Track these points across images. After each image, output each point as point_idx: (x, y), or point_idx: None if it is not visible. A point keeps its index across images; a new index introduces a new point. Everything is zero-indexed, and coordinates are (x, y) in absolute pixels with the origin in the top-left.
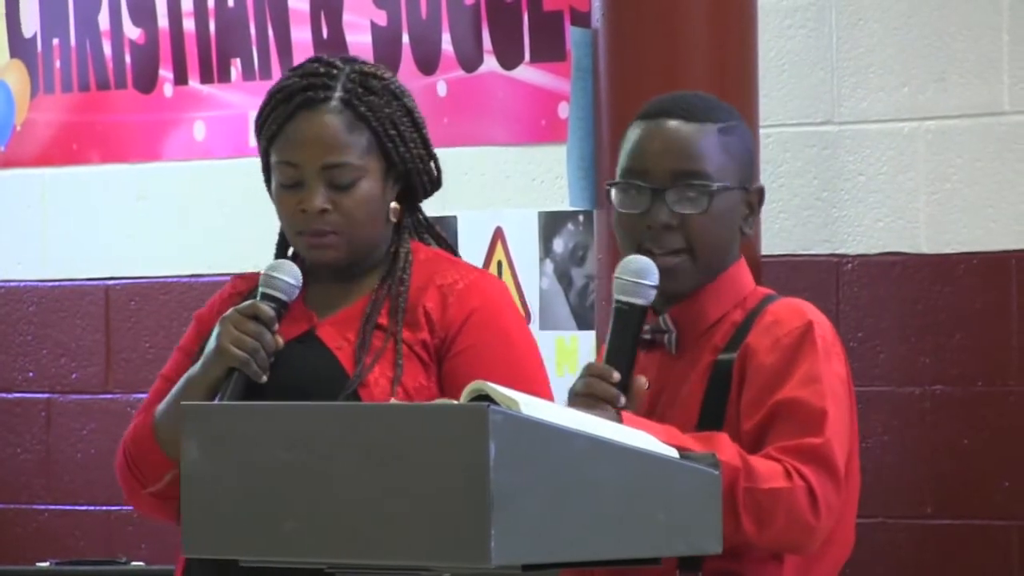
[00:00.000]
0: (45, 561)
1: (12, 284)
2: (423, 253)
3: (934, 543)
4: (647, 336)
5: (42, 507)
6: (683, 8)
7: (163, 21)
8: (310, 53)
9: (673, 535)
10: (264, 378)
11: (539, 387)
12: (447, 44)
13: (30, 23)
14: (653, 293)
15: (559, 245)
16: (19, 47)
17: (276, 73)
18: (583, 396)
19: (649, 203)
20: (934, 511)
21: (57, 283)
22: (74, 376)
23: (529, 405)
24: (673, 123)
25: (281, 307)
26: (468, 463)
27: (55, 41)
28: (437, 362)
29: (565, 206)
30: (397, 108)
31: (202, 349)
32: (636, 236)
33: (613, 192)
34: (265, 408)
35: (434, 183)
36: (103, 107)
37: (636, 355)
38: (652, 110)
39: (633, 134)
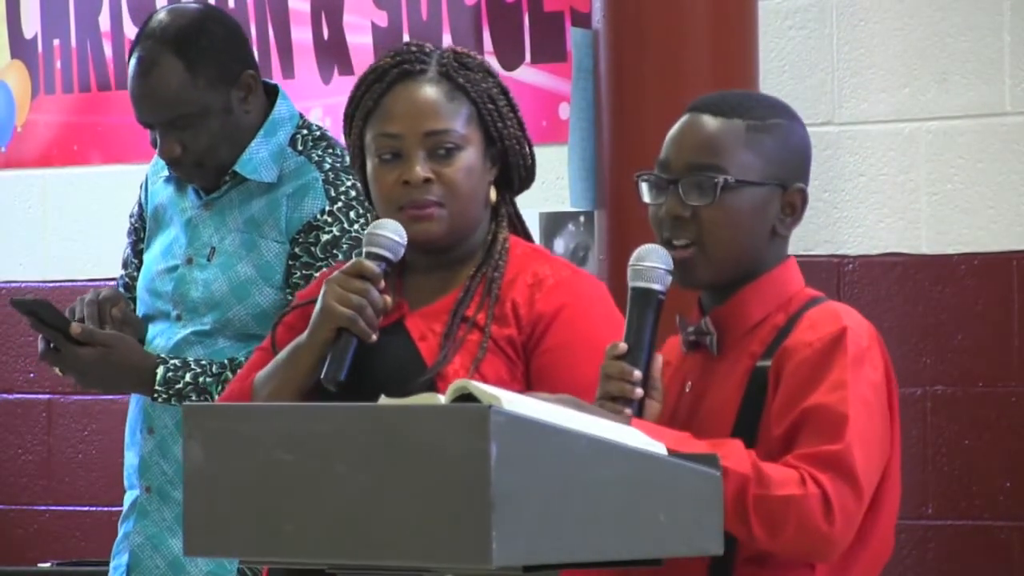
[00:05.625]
0: (46, 562)
1: (13, 285)
2: (520, 248)
3: (934, 543)
4: (691, 338)
5: (43, 508)
6: (683, 9)
7: None
8: (311, 54)
9: (674, 536)
10: (374, 337)
11: None
12: (448, 45)
13: (31, 24)
14: (660, 275)
15: (560, 246)
16: (20, 48)
17: (276, 74)
18: (601, 400)
19: (667, 194)
20: (934, 511)
21: (57, 284)
22: None
23: (512, 402)
24: (701, 117)
25: (387, 265)
26: (469, 464)
27: (56, 42)
28: (524, 359)
29: (566, 206)
30: (494, 84)
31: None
32: (659, 228)
33: (640, 184)
34: (265, 408)
35: (529, 172)
36: (104, 108)
37: (655, 343)
38: (690, 105)
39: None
